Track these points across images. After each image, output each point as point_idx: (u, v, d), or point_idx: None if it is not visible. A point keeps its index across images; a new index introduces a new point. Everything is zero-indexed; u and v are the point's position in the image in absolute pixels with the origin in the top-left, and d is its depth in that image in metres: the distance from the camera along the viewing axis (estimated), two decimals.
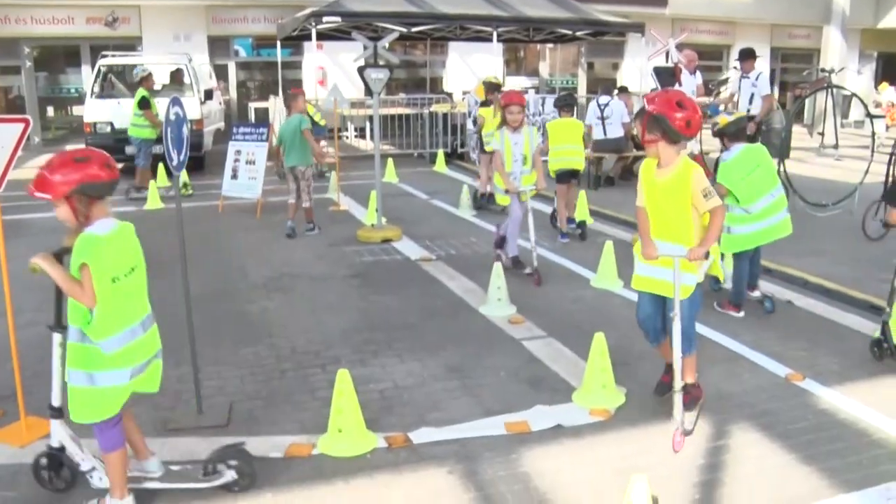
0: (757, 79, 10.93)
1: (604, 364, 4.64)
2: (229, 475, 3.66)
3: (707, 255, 4.15)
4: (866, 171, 10.64)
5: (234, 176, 11.28)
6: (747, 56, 11.07)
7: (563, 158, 9.16)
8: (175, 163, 4.35)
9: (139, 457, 3.75)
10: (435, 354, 5.52)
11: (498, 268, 6.51)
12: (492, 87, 11.56)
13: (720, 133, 6.31)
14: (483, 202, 11.09)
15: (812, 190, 11.03)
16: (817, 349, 5.57)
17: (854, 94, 12.35)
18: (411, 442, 4.22)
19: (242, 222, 10.54)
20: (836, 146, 16.10)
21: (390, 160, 14.68)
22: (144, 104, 12.54)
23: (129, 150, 14.54)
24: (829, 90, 13.10)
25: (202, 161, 15.51)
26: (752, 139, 10.19)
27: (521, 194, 7.42)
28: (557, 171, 9.20)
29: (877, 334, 5.35)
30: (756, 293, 6.60)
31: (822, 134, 17.69)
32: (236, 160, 11.30)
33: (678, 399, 4.18)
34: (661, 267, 4.28)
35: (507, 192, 7.39)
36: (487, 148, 10.39)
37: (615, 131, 12.79)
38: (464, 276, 7.55)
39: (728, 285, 6.64)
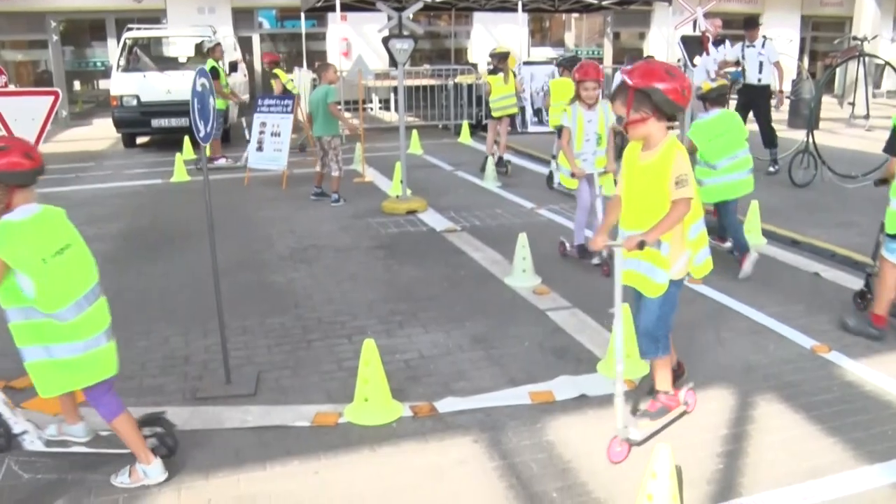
0: (763, 46, 10.80)
1: (628, 334, 4.64)
2: (150, 442, 3.71)
3: (642, 246, 3.62)
4: None
5: (260, 148, 11.33)
6: (751, 24, 10.98)
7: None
8: (202, 134, 4.37)
9: (68, 420, 3.85)
10: (460, 325, 5.56)
11: (523, 238, 6.51)
12: (501, 58, 11.85)
13: (703, 97, 6.93)
14: (501, 169, 11.58)
15: (841, 161, 10.89)
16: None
17: (887, 63, 12.14)
18: (437, 411, 4.27)
19: (268, 194, 10.61)
20: (866, 117, 15.85)
21: (415, 132, 14.66)
22: (214, 74, 12.72)
23: (156, 122, 14.68)
24: (861, 59, 12.87)
25: (227, 133, 15.58)
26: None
27: (591, 177, 6.80)
28: (557, 126, 9.51)
29: (861, 286, 5.77)
30: (727, 244, 7.02)
31: (852, 104, 17.42)
32: (262, 132, 11.34)
33: (619, 403, 3.74)
34: (636, 259, 3.89)
35: (573, 175, 6.79)
36: (495, 114, 11.70)
37: None
38: (489, 247, 7.56)
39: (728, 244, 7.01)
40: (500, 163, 11.65)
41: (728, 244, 6.99)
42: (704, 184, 6.60)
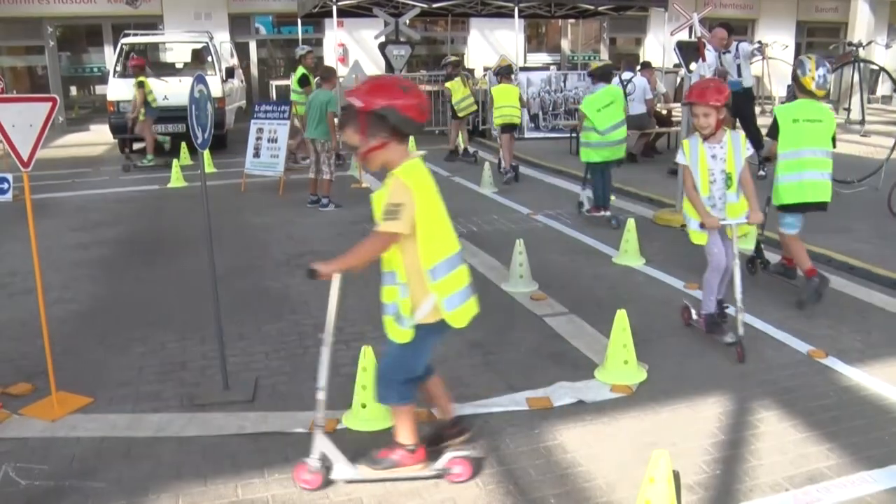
0: (737, 49, 10.89)
1: (626, 340, 4.66)
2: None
3: (313, 275, 3.66)
4: (893, 148, 10.54)
5: (257, 154, 11.34)
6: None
7: (506, 115, 11.75)
8: (200, 141, 4.37)
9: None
10: (457, 331, 5.53)
11: (520, 244, 6.51)
12: (454, 65, 13.46)
13: (590, 74, 8.89)
14: (463, 157, 13.78)
15: (837, 166, 10.78)
16: (841, 326, 5.54)
17: (882, 69, 12.19)
18: (434, 417, 4.26)
19: (265, 200, 10.61)
20: (862, 122, 15.90)
21: (411, 137, 14.64)
22: (304, 81, 12.90)
23: (152, 128, 14.65)
24: (856, 64, 12.92)
25: (224, 139, 15.58)
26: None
27: (726, 230, 5.24)
28: (501, 125, 11.88)
29: (751, 252, 6.35)
30: (607, 213, 8.67)
31: (848, 109, 17.48)
32: (258, 138, 11.35)
33: (319, 433, 3.63)
34: (388, 301, 3.72)
35: (702, 226, 5.18)
36: (460, 114, 13.51)
37: (637, 108, 12.72)
38: (486, 253, 7.56)
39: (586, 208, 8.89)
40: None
41: (608, 213, 8.64)
42: (591, 145, 8.52)
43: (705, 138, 5.14)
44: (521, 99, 11.98)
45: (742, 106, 11.04)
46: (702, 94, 5.05)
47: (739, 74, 10.89)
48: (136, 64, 13.61)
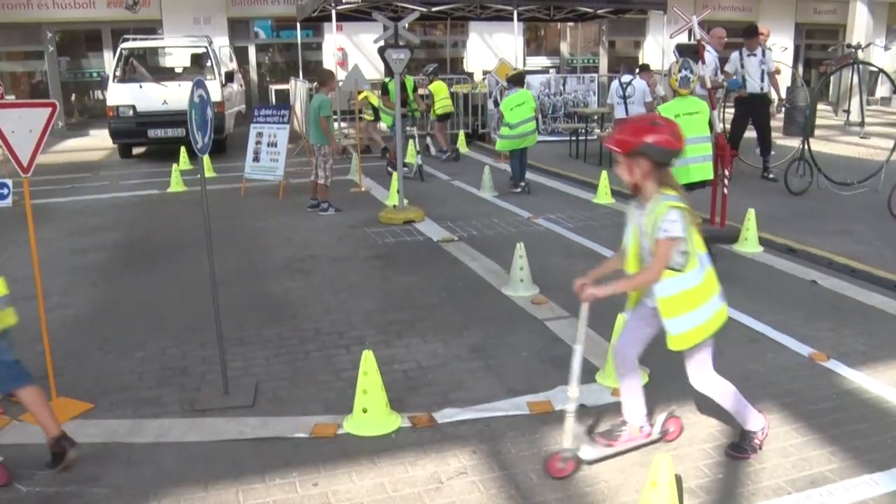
0: (764, 55, 10.85)
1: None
2: None
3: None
4: (893, 149, 10.54)
5: (256, 158, 11.34)
6: (751, 33, 11.01)
7: (443, 106, 14.67)
8: (200, 145, 4.37)
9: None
10: (458, 335, 5.55)
11: (520, 248, 6.51)
12: (434, 71, 15.71)
13: (508, 80, 11.35)
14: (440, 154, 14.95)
15: (837, 168, 10.93)
16: (842, 329, 5.53)
17: (881, 71, 12.20)
18: (435, 421, 4.26)
19: (265, 204, 10.61)
20: (861, 124, 15.90)
21: (411, 141, 14.66)
22: (384, 90, 13.65)
23: (152, 133, 14.71)
24: (855, 66, 12.92)
25: (224, 143, 15.59)
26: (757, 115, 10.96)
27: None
28: (439, 114, 14.68)
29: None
30: (522, 184, 11.03)
31: (847, 111, 17.49)
32: (258, 142, 11.35)
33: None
34: None
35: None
36: (439, 112, 14.93)
37: (637, 110, 12.68)
38: (486, 257, 7.56)
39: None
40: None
41: (523, 184, 11.01)
42: (504, 137, 10.95)
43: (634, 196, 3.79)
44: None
45: (760, 111, 11.03)
46: (611, 137, 3.71)
47: (762, 79, 10.85)
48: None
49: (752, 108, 11.06)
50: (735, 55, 11.10)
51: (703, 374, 3.74)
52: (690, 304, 3.56)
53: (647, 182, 3.56)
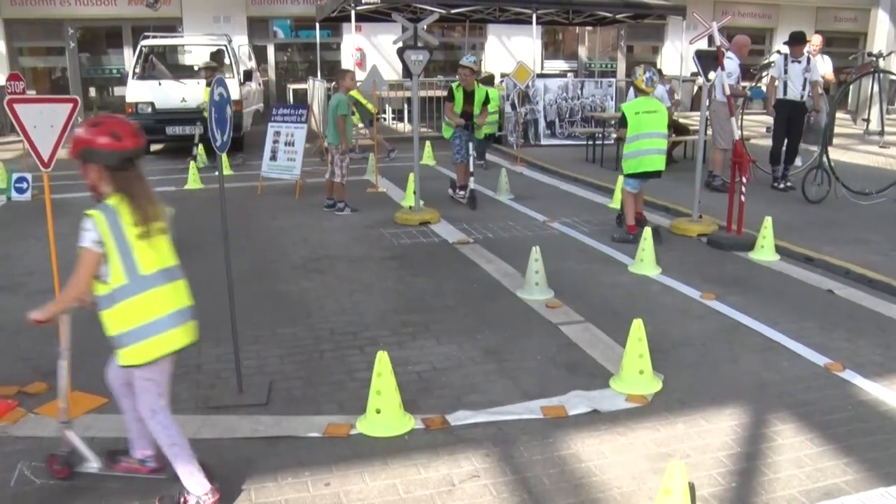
0: (809, 63, 10.75)
1: (641, 350, 4.63)
2: None
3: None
4: None
5: (273, 157, 11.37)
6: (798, 40, 10.86)
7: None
8: (219, 143, 4.39)
9: None
10: (472, 337, 5.55)
11: (536, 252, 6.50)
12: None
13: (479, 80, 11.09)
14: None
15: (855, 177, 10.85)
16: (859, 339, 5.50)
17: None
18: (448, 424, 4.26)
19: (281, 203, 10.64)
20: (881, 133, 15.79)
21: (428, 143, 14.69)
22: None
23: (171, 130, 14.79)
24: (876, 75, 12.83)
25: (241, 142, 15.65)
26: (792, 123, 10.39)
27: None
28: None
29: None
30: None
31: (866, 120, 17.35)
32: (275, 141, 11.39)
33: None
34: None
35: None
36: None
37: None
38: (501, 260, 7.55)
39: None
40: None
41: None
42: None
43: None
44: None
45: (798, 118, 10.92)
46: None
47: (804, 87, 10.79)
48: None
49: (792, 115, 10.97)
50: (780, 60, 11.02)
51: (146, 401, 3.41)
52: (129, 320, 3.27)
53: (103, 186, 3.32)
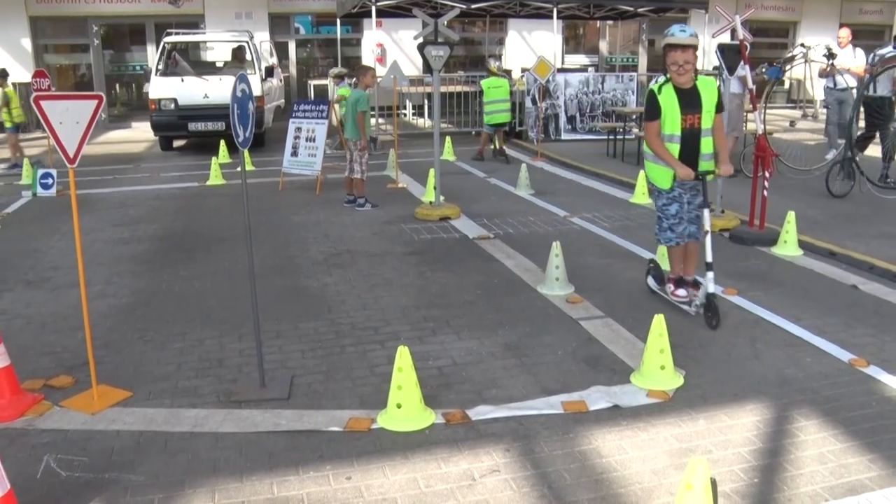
0: (875, 57, 10.72)
1: (663, 345, 4.61)
2: None
3: None
4: None
5: (294, 153, 11.42)
6: None
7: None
8: (241, 139, 4.41)
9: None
10: (493, 332, 5.55)
11: (556, 247, 6.48)
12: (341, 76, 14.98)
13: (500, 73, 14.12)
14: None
15: (880, 171, 10.72)
16: (884, 335, 5.44)
17: None
18: (469, 419, 4.26)
19: (302, 199, 10.69)
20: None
21: (448, 138, 14.69)
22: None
23: (193, 126, 14.90)
24: None
25: (262, 138, 15.73)
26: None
27: None
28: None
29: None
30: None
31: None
32: (296, 137, 11.43)
33: None
34: None
35: None
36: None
37: None
38: (522, 255, 7.55)
39: None
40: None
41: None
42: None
43: None
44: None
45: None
46: None
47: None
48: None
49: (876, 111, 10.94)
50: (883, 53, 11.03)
51: None
52: None
53: None
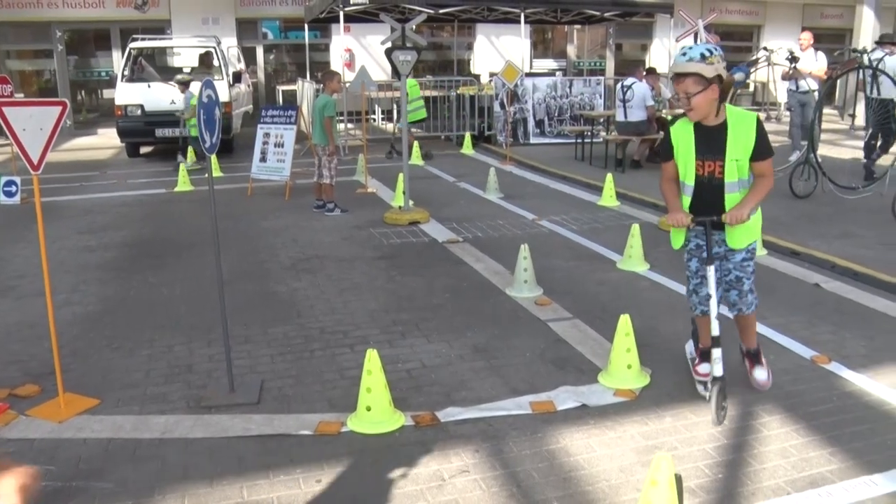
0: None
1: (629, 345, 4.67)
2: None
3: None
4: None
5: (263, 158, 11.38)
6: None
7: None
8: (208, 145, 4.41)
9: None
10: (462, 335, 5.59)
11: (525, 250, 6.54)
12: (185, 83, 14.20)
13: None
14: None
15: (842, 172, 10.91)
16: (844, 332, 5.56)
17: (887, 75, 12.16)
18: (438, 420, 4.29)
19: (271, 204, 10.66)
20: (867, 128, 15.85)
21: (416, 143, 14.72)
22: None
23: (160, 132, 14.80)
24: (861, 71, 12.91)
25: (231, 144, 15.65)
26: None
27: None
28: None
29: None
30: None
31: (852, 116, 17.46)
32: (265, 143, 11.40)
33: None
34: None
35: None
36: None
37: (636, 115, 12.74)
38: (490, 258, 7.59)
39: None
40: None
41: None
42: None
43: None
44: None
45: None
46: None
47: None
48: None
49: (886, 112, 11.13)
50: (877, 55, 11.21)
51: None
52: None
53: None
